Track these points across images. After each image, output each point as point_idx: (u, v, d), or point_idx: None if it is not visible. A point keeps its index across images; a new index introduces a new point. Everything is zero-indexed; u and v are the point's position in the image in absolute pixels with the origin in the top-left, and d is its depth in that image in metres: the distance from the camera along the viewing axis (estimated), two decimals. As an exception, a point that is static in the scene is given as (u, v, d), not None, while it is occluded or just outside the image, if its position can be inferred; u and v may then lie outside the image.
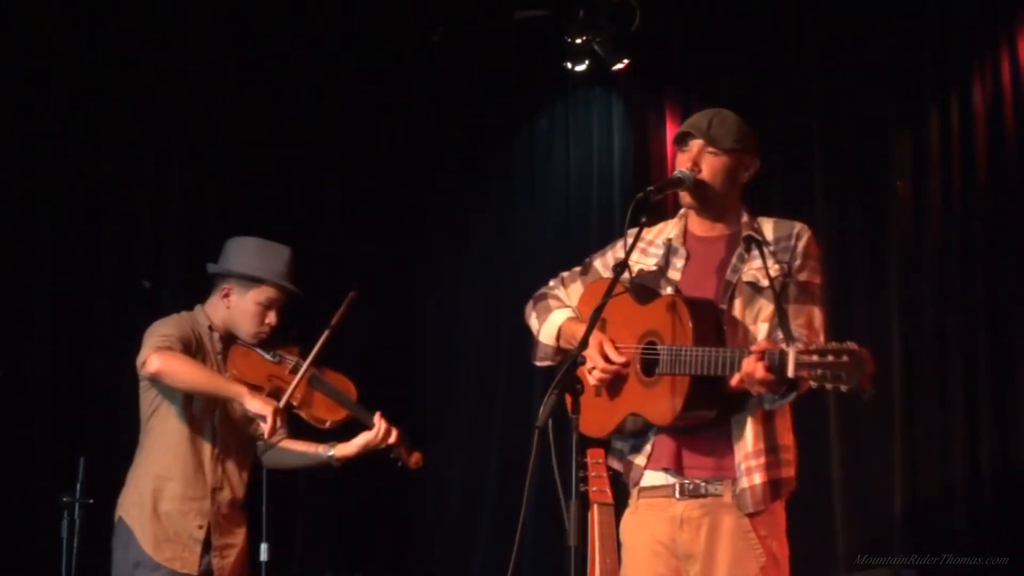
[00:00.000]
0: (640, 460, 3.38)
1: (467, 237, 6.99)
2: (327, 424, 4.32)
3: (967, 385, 5.50)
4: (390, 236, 6.87)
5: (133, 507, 4.19)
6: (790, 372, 2.97)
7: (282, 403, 4.15)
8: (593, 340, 3.31)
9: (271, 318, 4.31)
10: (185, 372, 4.12)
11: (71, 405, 5.60)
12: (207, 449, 4.24)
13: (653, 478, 3.37)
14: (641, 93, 6.65)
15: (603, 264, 3.57)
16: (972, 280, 5.55)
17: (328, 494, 6.50)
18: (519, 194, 6.95)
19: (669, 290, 3.37)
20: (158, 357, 4.08)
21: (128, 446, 4.37)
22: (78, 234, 5.81)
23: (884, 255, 5.78)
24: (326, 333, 4.28)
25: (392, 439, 4.30)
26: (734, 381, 3.13)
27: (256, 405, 4.10)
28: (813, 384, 2.98)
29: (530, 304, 3.63)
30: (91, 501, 4.43)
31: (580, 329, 3.39)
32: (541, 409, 2.96)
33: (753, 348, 3.10)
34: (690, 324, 3.21)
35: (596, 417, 3.32)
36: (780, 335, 3.21)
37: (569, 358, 3.10)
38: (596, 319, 3.16)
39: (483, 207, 6.98)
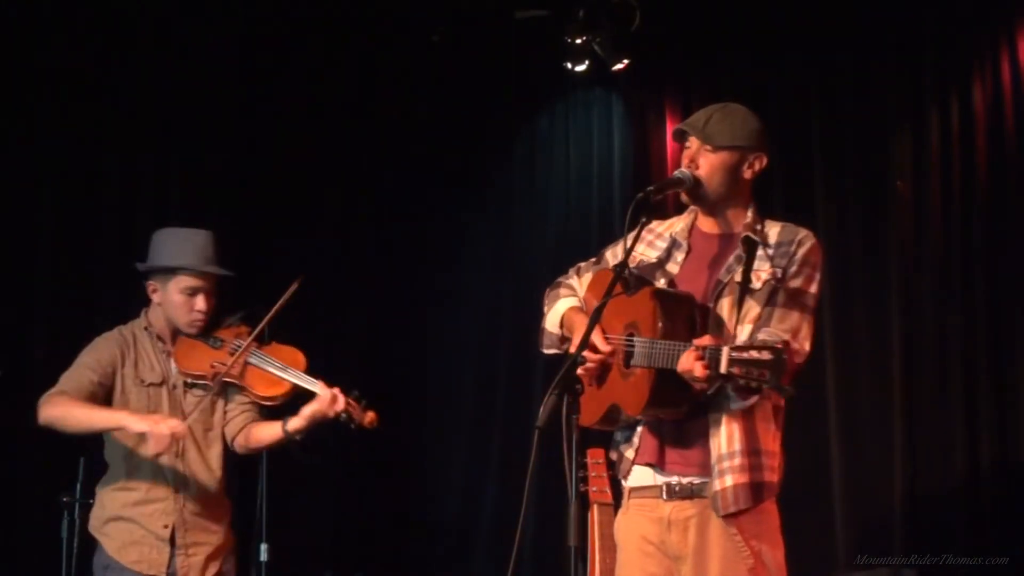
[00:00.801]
0: (629, 453, 3.38)
1: (467, 237, 6.99)
2: (274, 401, 4.23)
3: (967, 385, 5.50)
4: (390, 236, 6.87)
5: (97, 520, 4.19)
6: (722, 368, 2.95)
7: (219, 379, 4.12)
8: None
9: (199, 304, 4.19)
10: (66, 420, 4.08)
11: (71, 405, 5.58)
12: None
13: (641, 476, 3.36)
14: (641, 93, 6.65)
15: (612, 254, 3.54)
16: (972, 280, 5.56)
17: (328, 494, 6.49)
18: (519, 194, 6.95)
19: (662, 282, 3.35)
20: (41, 410, 4.08)
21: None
22: (78, 234, 5.82)
23: (884, 255, 5.79)
24: (269, 313, 4.21)
25: (340, 405, 4.17)
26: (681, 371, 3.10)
27: (140, 425, 4.02)
28: (741, 383, 2.96)
29: (546, 292, 3.61)
30: (91, 501, 4.41)
31: (580, 319, 3.40)
32: (541, 409, 2.95)
33: (696, 342, 3.06)
34: (661, 318, 3.20)
35: (585, 406, 3.30)
36: (760, 336, 3.18)
37: (569, 358, 3.09)
38: (596, 320, 3.15)
39: (483, 207, 6.98)
